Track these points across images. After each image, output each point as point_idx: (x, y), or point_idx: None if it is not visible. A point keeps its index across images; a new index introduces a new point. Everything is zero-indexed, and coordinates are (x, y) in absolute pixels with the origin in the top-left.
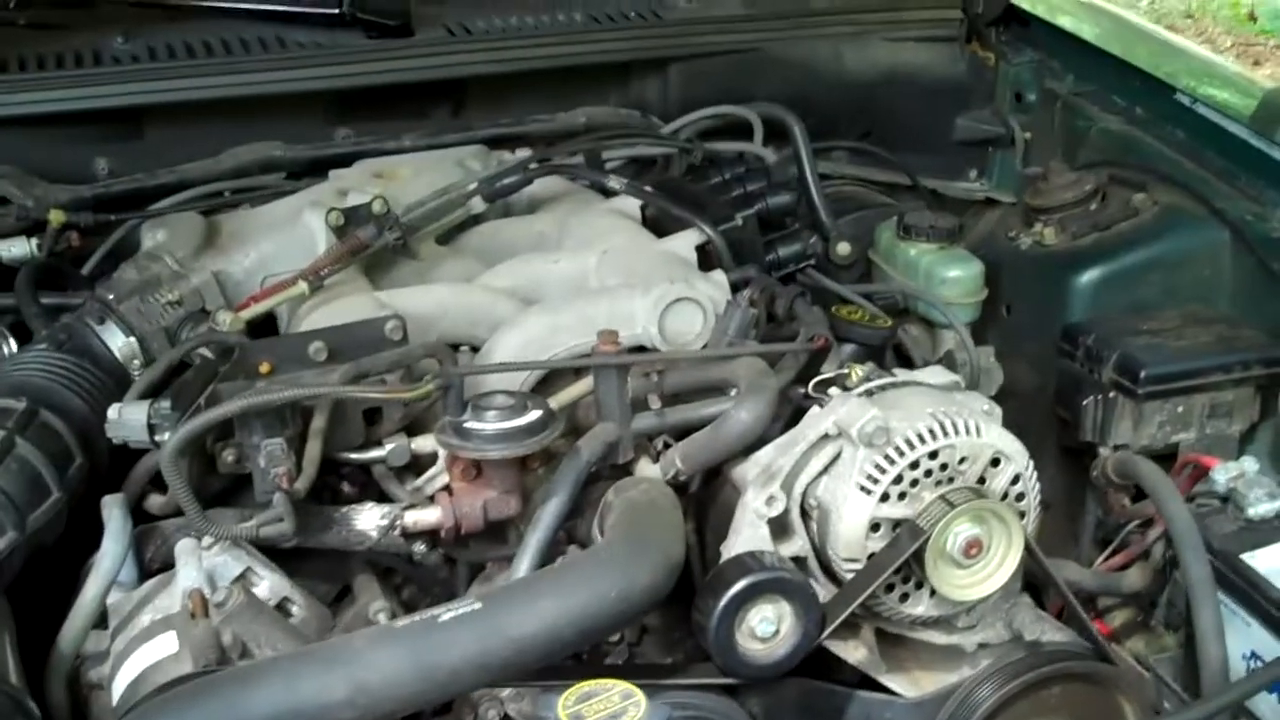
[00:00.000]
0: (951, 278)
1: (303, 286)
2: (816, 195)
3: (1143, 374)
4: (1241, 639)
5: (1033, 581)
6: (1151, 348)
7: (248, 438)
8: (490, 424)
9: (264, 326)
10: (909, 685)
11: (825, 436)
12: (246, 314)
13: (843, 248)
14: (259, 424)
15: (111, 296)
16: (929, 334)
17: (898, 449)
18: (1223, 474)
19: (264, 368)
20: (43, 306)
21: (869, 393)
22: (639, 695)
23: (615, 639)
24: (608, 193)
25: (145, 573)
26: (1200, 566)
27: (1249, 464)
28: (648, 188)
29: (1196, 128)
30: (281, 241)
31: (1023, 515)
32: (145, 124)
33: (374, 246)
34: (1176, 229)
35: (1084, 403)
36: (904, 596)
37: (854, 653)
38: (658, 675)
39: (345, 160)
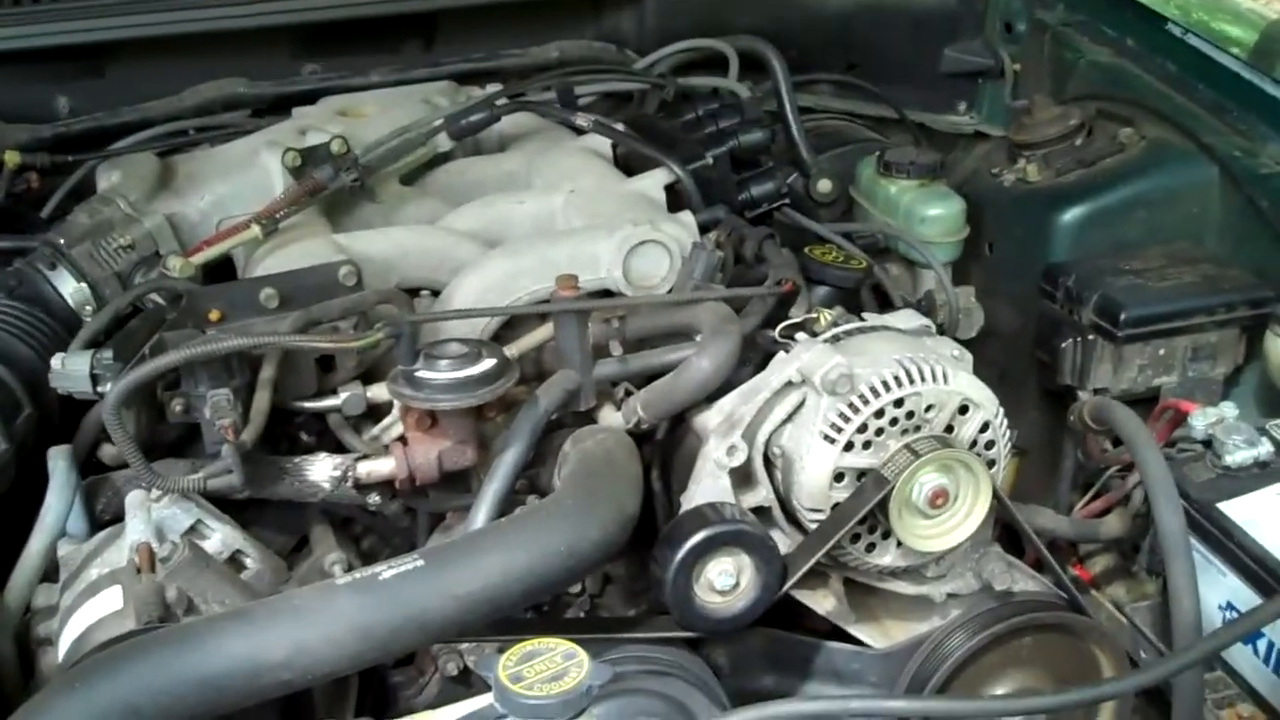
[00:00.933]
0: (931, 216)
1: (255, 230)
2: (796, 130)
3: (1123, 316)
4: (1218, 589)
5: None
6: (1133, 289)
7: (193, 388)
8: (442, 373)
9: (222, 271)
10: (879, 635)
11: (789, 384)
12: (198, 259)
13: (824, 185)
14: (204, 374)
15: (62, 241)
16: (910, 274)
17: (861, 397)
18: (1201, 420)
19: (213, 315)
20: None
21: (835, 338)
22: (582, 655)
23: (576, 590)
24: (579, 130)
25: (97, 525)
26: (1173, 517)
27: (1228, 409)
28: (619, 125)
29: (1187, 60)
30: (238, 183)
31: (992, 464)
32: (107, 61)
33: (330, 188)
34: (1163, 165)
35: (1063, 345)
36: (870, 547)
37: (823, 603)
38: (617, 628)
39: (311, 97)
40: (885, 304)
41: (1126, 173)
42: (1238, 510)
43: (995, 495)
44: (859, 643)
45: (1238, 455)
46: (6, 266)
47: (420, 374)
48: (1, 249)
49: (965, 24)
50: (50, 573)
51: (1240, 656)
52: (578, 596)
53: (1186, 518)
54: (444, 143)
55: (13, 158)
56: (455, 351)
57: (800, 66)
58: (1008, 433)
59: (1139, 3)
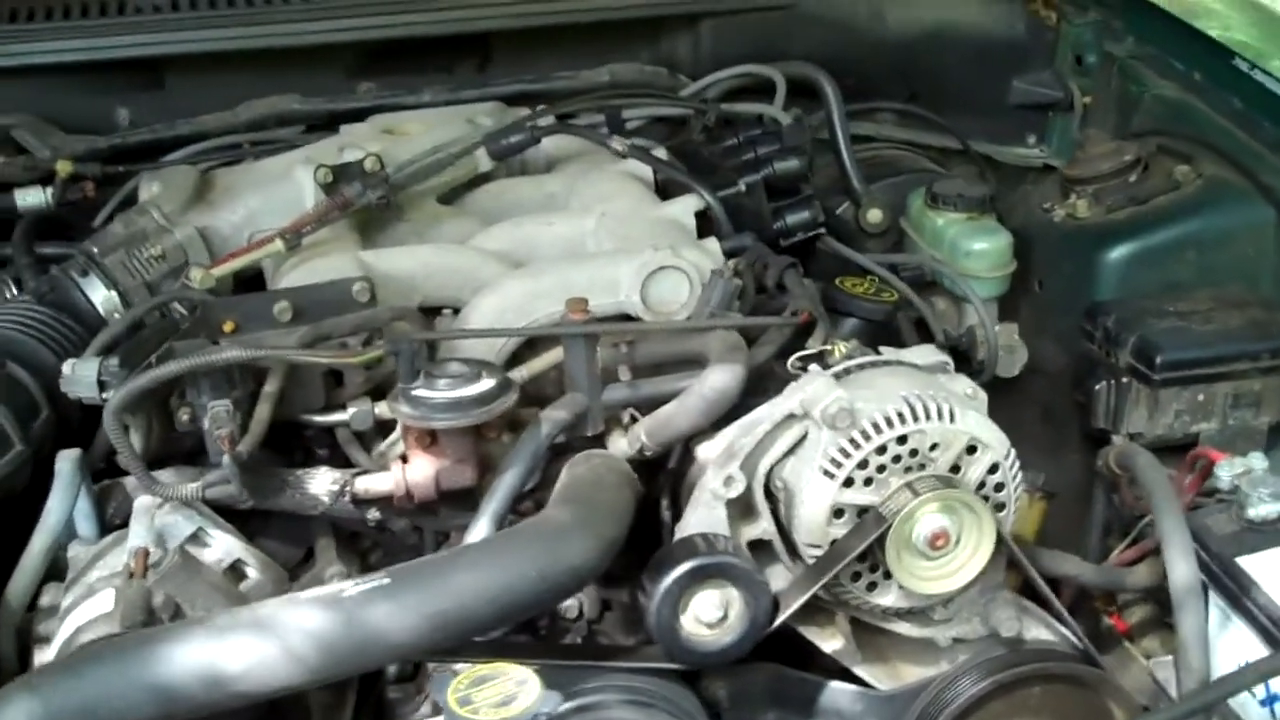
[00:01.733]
0: (976, 250)
1: (279, 244)
2: (848, 158)
3: (1159, 359)
4: (1237, 646)
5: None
6: (1173, 331)
7: (196, 398)
8: (440, 392)
9: (255, 285)
10: (887, 677)
11: (791, 416)
12: (218, 271)
13: (874, 214)
14: (206, 384)
15: (96, 249)
16: (956, 308)
17: (863, 432)
18: (1227, 470)
19: (227, 326)
20: (36, 257)
21: (846, 371)
22: (534, 682)
23: (574, 615)
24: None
25: (108, 528)
26: (1185, 568)
27: (1256, 460)
28: (659, 150)
29: (1254, 96)
30: (270, 198)
31: (1001, 507)
32: (167, 74)
33: (357, 205)
34: (1218, 204)
35: (1097, 387)
36: (871, 586)
37: (830, 641)
38: (603, 655)
39: (362, 115)
40: (927, 338)
41: (1178, 211)
42: (1257, 566)
43: (1001, 540)
44: (865, 684)
45: (1261, 509)
46: (45, 273)
47: (417, 392)
48: (43, 255)
49: (1035, 55)
50: (61, 573)
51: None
52: (575, 621)
53: (1205, 571)
54: (485, 163)
55: (65, 167)
56: (454, 371)
57: (860, 94)
58: (1019, 475)
59: (1208, 37)
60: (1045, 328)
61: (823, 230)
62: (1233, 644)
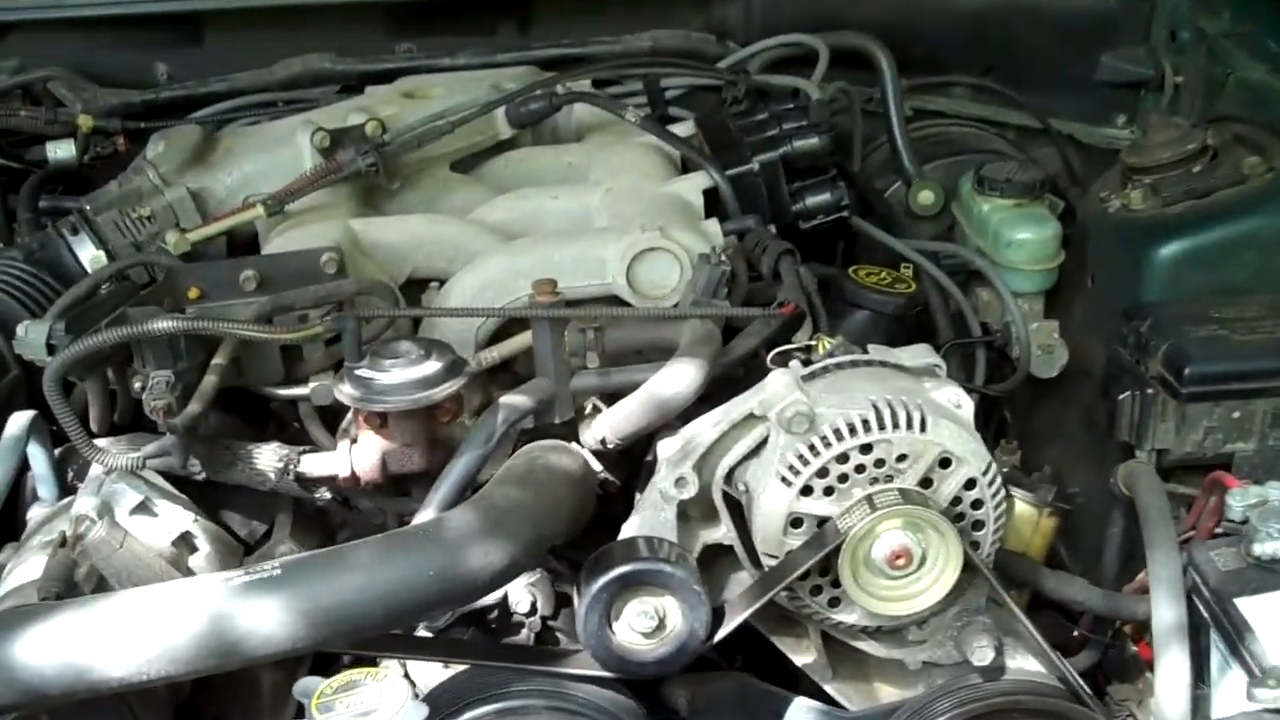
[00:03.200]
0: (1019, 240)
1: (259, 210)
2: (899, 135)
3: (1188, 370)
4: (1236, 692)
5: (1050, 599)
6: (1210, 341)
7: (142, 367)
8: (383, 373)
9: (248, 250)
10: (862, 697)
11: (752, 416)
12: (194, 235)
13: (924, 196)
14: (150, 354)
15: (90, 207)
16: (1000, 300)
17: (824, 438)
18: (1239, 499)
19: (192, 293)
20: (38, 213)
21: (824, 370)
22: (402, 693)
23: (525, 610)
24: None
25: (70, 491)
26: (1169, 609)
27: (1273, 491)
28: (685, 122)
29: None
30: (268, 161)
31: (980, 526)
32: (206, 30)
33: (346, 171)
34: None
35: (1121, 397)
36: (833, 601)
37: (802, 654)
38: (548, 659)
39: (394, 76)
40: (963, 333)
41: (1240, 207)
42: (1255, 609)
43: (967, 560)
44: (835, 703)
45: (1267, 546)
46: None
47: (361, 373)
48: (43, 210)
49: (1126, 28)
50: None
51: None
52: (528, 616)
53: (1206, 609)
54: (504, 130)
55: (86, 122)
56: (402, 351)
57: (930, 66)
58: (1000, 492)
59: None
60: (1095, 327)
61: (845, 214)
62: (1233, 689)
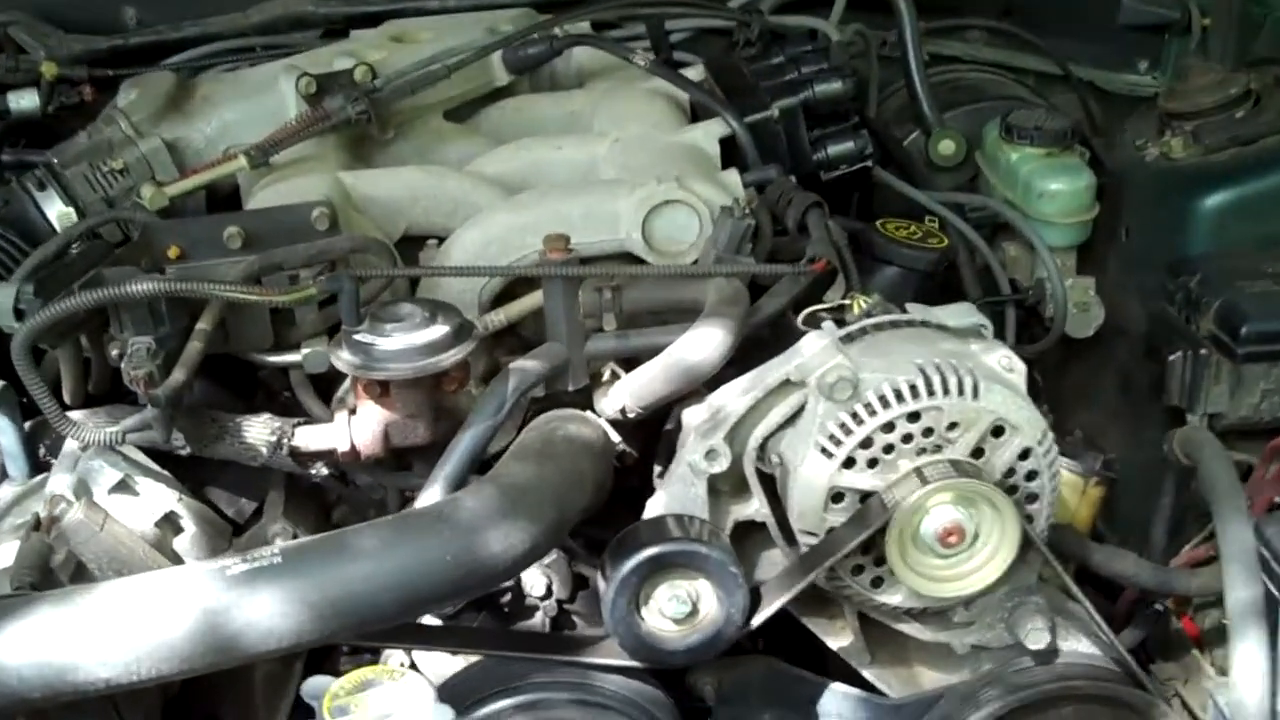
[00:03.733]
0: (1051, 190)
1: (242, 161)
2: (919, 82)
3: (1244, 329)
4: None
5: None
6: (1266, 296)
7: (119, 333)
8: (385, 338)
9: (228, 206)
10: (903, 682)
11: (788, 382)
12: (173, 189)
13: (945, 145)
14: (128, 319)
15: (56, 160)
16: (1030, 256)
17: (867, 406)
18: None
19: (172, 252)
20: (1, 168)
21: (862, 331)
22: (424, 695)
23: (541, 593)
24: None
25: (42, 468)
26: (1244, 588)
27: None
28: (696, 66)
29: None
30: (250, 109)
31: (1034, 499)
32: None
33: (335, 119)
34: None
35: (1172, 358)
36: (876, 581)
37: (838, 637)
38: (567, 647)
39: (379, 20)
40: (993, 289)
41: None
42: None
43: (1026, 537)
44: (874, 688)
45: None
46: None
47: (360, 337)
48: (4, 164)
49: None
50: None
51: None
52: (543, 600)
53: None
54: (501, 77)
55: (50, 69)
56: (405, 314)
57: (948, 9)
58: (1056, 462)
59: None
60: (1130, 284)
61: (869, 163)
62: None
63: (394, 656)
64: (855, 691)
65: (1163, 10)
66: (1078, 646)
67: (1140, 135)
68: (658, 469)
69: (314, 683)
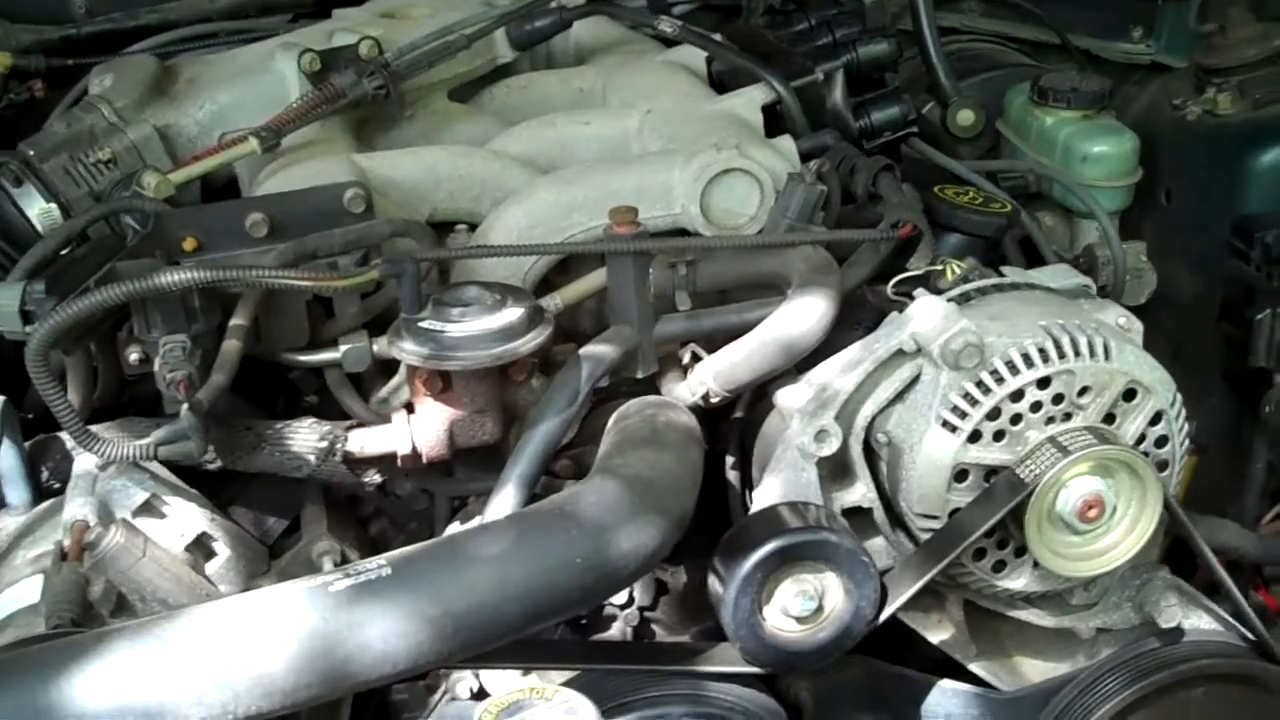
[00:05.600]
0: (1096, 154)
1: (253, 144)
2: (934, 51)
3: None
4: None
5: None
6: None
7: (147, 333)
8: (453, 324)
9: (225, 196)
10: (1007, 675)
11: (900, 353)
12: (178, 176)
13: (964, 116)
14: (158, 315)
15: (32, 153)
16: (1067, 224)
17: (995, 373)
18: None
19: (188, 244)
20: None
21: (965, 297)
22: (587, 712)
23: (621, 601)
24: (668, 42)
25: (43, 493)
26: None
27: None
28: (714, 36)
29: None
30: (246, 90)
31: (1164, 467)
32: None
33: (351, 96)
34: None
35: (1258, 317)
36: (998, 566)
37: (937, 630)
38: (662, 658)
39: (358, 1)
40: (1035, 261)
41: None
42: None
43: (1167, 507)
44: (981, 682)
45: None
46: None
47: (426, 324)
48: None
49: None
50: None
51: None
52: (623, 608)
53: None
54: (505, 53)
55: (2, 60)
56: (472, 297)
57: None
58: (1185, 426)
59: None
60: (1174, 248)
61: (914, 130)
62: None
63: (463, 681)
64: (965, 687)
65: None
66: (1199, 622)
67: (1175, 95)
68: (730, 460)
69: (454, 708)
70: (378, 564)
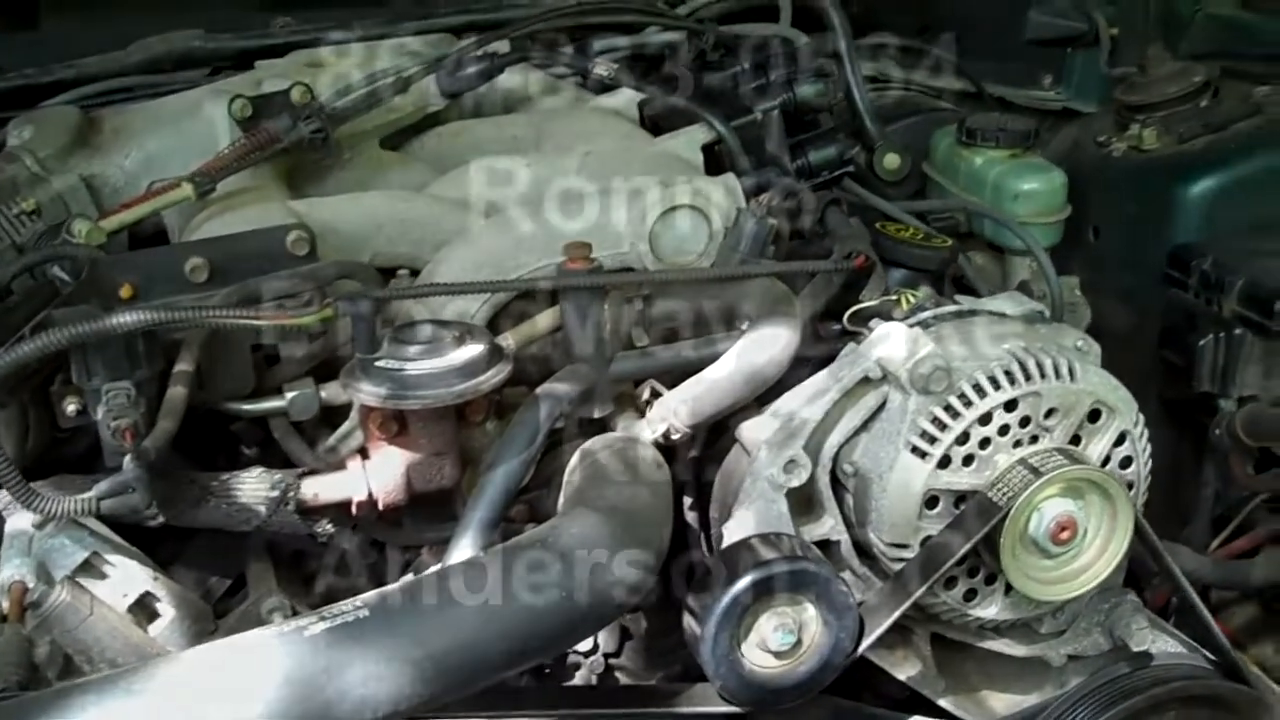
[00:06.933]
0: (1026, 190)
1: (187, 189)
2: (859, 97)
3: (1278, 304)
4: None
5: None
6: None
7: (86, 381)
8: (412, 362)
9: (154, 244)
10: (976, 709)
11: (866, 380)
12: (109, 223)
13: (890, 160)
14: (99, 363)
15: None
16: (998, 263)
17: (963, 397)
18: None
19: (124, 291)
20: None
21: (924, 325)
22: None
23: (586, 648)
24: (600, 90)
25: None
26: None
27: None
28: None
29: None
30: (174, 138)
31: (1129, 488)
32: (43, 11)
33: (286, 141)
34: None
35: (1200, 343)
36: (969, 594)
37: (904, 666)
38: (636, 700)
39: (279, 54)
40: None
41: (1266, 138)
42: None
43: (1138, 528)
44: (950, 718)
45: None
46: None
47: (383, 364)
48: None
49: None
50: None
51: None
52: (587, 656)
53: None
54: (436, 100)
55: None
56: (429, 335)
57: (863, 26)
58: (1148, 447)
59: None
60: (1104, 283)
61: (850, 169)
62: None
63: None
64: None
65: (1068, 23)
66: (1167, 646)
67: (1099, 133)
68: (688, 499)
69: None
70: (354, 605)
